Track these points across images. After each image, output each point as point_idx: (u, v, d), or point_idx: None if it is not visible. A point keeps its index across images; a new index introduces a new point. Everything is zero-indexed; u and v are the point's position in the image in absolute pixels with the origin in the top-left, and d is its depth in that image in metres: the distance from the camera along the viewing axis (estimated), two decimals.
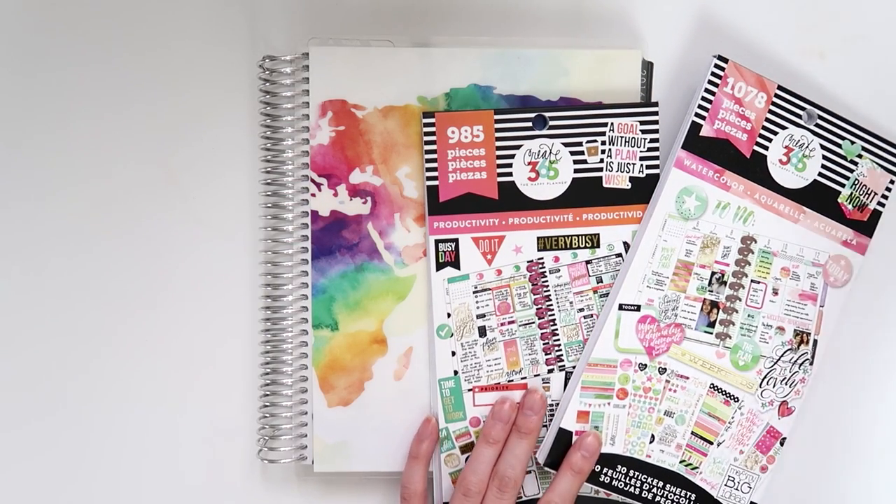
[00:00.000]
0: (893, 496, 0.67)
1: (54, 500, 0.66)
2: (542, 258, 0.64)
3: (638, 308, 0.63)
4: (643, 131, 0.64)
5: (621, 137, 0.64)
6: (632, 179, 0.64)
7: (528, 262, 0.64)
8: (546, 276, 0.64)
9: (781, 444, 0.65)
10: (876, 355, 0.67)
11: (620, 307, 0.63)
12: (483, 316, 0.64)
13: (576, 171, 0.64)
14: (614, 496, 0.63)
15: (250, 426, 0.66)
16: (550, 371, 0.64)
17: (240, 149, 0.66)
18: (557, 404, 0.64)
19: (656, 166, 0.65)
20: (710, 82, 0.64)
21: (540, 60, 0.65)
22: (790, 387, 0.64)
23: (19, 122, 0.66)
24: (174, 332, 0.66)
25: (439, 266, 0.64)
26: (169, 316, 0.66)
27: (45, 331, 0.66)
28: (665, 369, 0.63)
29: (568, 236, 0.64)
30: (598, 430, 0.63)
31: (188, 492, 0.66)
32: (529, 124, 0.64)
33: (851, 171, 0.65)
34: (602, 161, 0.64)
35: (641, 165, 0.64)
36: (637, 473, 0.63)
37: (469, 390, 0.64)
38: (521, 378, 0.64)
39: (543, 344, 0.64)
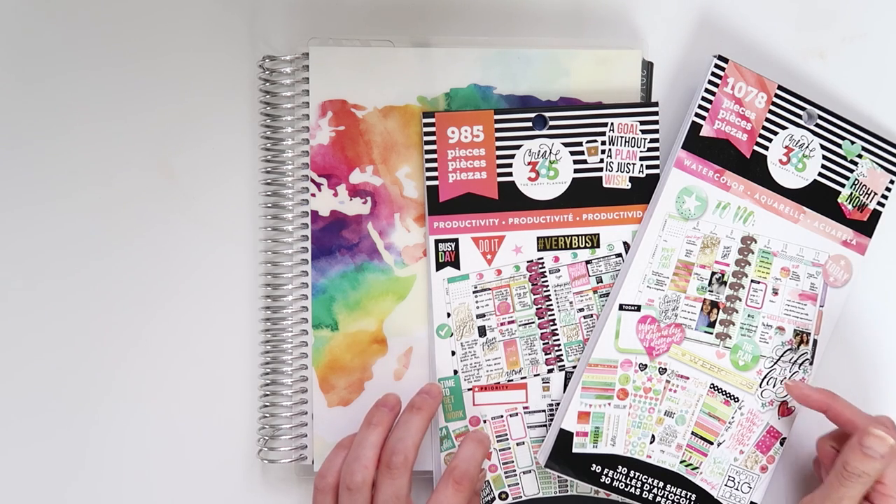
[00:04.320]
0: None
1: (54, 499, 0.66)
2: (541, 258, 0.64)
3: (638, 308, 0.63)
4: (643, 131, 0.64)
5: (621, 137, 0.64)
6: (632, 179, 0.64)
7: (528, 262, 0.64)
8: (546, 276, 0.64)
9: (781, 443, 0.65)
10: (876, 355, 0.67)
11: (621, 307, 0.63)
12: (483, 316, 0.64)
13: (576, 171, 0.64)
14: (614, 497, 0.63)
15: (250, 426, 0.66)
16: (550, 371, 0.64)
17: (240, 149, 0.66)
18: (558, 405, 0.64)
19: (656, 166, 0.65)
20: (710, 82, 0.64)
21: (540, 60, 0.65)
22: None
23: (18, 123, 0.66)
24: (174, 331, 0.66)
25: (439, 266, 0.64)
26: (169, 316, 0.66)
27: (44, 331, 0.66)
28: (665, 369, 0.63)
29: (568, 236, 0.64)
30: (598, 431, 0.63)
31: (188, 491, 0.66)
32: (529, 124, 0.64)
33: (851, 171, 0.65)
34: (602, 161, 0.64)
35: (641, 165, 0.65)
36: (637, 474, 0.63)
37: (469, 390, 0.64)
38: (521, 378, 0.64)
39: (543, 344, 0.64)
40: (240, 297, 0.66)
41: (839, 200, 0.65)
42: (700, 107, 0.64)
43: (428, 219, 0.64)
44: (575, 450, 0.63)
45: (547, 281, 0.64)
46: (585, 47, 0.65)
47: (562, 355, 0.64)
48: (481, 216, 0.64)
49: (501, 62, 0.65)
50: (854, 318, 0.67)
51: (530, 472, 0.64)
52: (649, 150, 0.64)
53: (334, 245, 0.65)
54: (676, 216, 0.64)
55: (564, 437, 0.63)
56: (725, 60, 0.64)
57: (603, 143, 0.64)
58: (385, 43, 0.65)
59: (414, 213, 0.65)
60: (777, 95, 0.64)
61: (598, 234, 0.64)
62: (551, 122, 0.64)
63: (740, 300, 0.64)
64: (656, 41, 0.67)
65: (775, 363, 0.64)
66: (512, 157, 0.64)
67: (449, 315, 0.64)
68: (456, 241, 0.64)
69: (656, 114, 0.65)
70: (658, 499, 0.63)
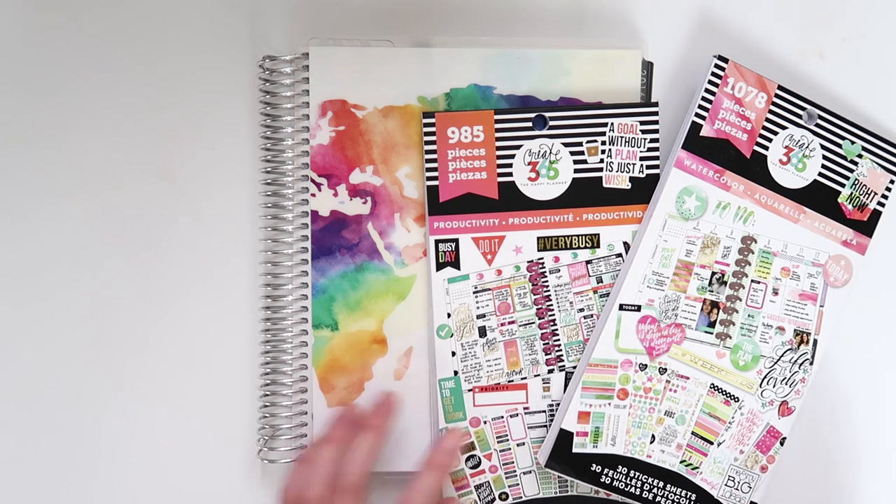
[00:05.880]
0: (894, 496, 0.67)
1: (54, 499, 0.66)
2: (542, 258, 0.64)
3: (638, 308, 0.63)
4: (643, 131, 0.64)
5: (621, 137, 0.64)
6: (632, 179, 0.64)
7: (528, 262, 0.64)
8: (546, 277, 0.64)
9: (781, 443, 0.65)
10: (876, 355, 0.67)
11: (621, 307, 0.63)
12: (483, 316, 0.64)
13: (576, 171, 0.64)
14: (614, 496, 0.63)
15: (250, 426, 0.66)
16: (550, 371, 0.64)
17: (240, 149, 0.66)
18: (558, 405, 0.64)
19: (656, 166, 0.65)
20: (710, 82, 0.64)
21: (540, 60, 0.65)
22: (790, 387, 0.64)
23: (19, 122, 0.66)
24: (174, 331, 0.66)
25: (439, 266, 0.64)
26: (169, 316, 0.66)
27: (44, 331, 0.66)
28: (665, 369, 0.63)
29: (568, 236, 0.64)
30: (598, 431, 0.63)
31: (188, 492, 0.66)
32: (529, 124, 0.64)
33: (851, 171, 0.65)
34: (602, 161, 0.64)
35: (641, 165, 0.64)
36: (637, 474, 0.63)
37: (469, 390, 0.64)
38: (522, 378, 0.64)
39: (543, 344, 0.64)
40: (240, 297, 0.66)
41: (839, 200, 0.65)
42: (700, 107, 0.64)
43: (428, 219, 0.64)
44: (575, 450, 0.63)
45: (547, 281, 0.64)
46: (585, 47, 0.65)
47: (562, 355, 0.64)
48: (481, 216, 0.64)
49: (501, 62, 0.65)
50: (854, 318, 0.67)
51: (530, 472, 0.64)
52: (649, 150, 0.64)
53: (334, 245, 0.65)
54: (676, 216, 0.64)
55: (564, 437, 0.63)
56: (725, 60, 0.64)
57: (603, 143, 0.64)
58: (385, 43, 0.65)
59: (414, 213, 0.65)
60: (777, 95, 0.64)
61: (599, 234, 0.64)
62: (551, 122, 0.64)
63: (740, 300, 0.64)
64: (656, 41, 0.67)
65: (775, 363, 0.64)
66: (512, 157, 0.64)
67: (449, 315, 0.64)
68: (456, 241, 0.64)
69: (656, 114, 0.65)
70: (658, 499, 0.63)
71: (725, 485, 0.64)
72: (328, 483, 0.58)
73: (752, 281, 0.64)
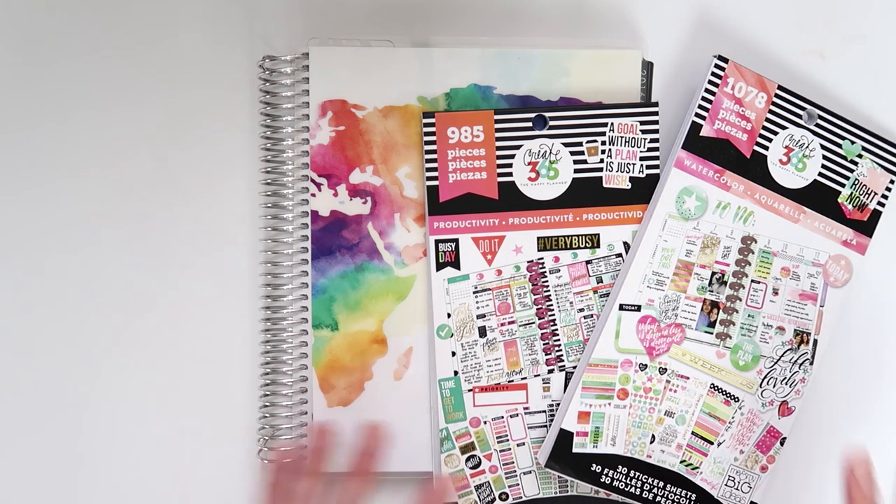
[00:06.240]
0: (894, 496, 0.67)
1: (54, 498, 0.66)
2: (542, 258, 0.64)
3: (638, 308, 0.63)
4: (643, 131, 0.64)
5: (621, 137, 0.64)
6: (632, 179, 0.64)
7: (529, 262, 0.64)
8: (546, 277, 0.64)
9: (781, 443, 0.65)
10: (876, 355, 0.67)
11: (621, 307, 0.63)
12: (483, 316, 0.64)
13: (576, 171, 0.64)
14: (614, 496, 0.63)
15: (250, 426, 0.66)
16: (550, 371, 0.64)
17: (240, 149, 0.66)
18: (558, 405, 0.64)
19: (656, 166, 0.65)
20: (710, 82, 0.64)
21: (540, 60, 0.65)
22: (790, 387, 0.64)
23: (19, 122, 0.66)
24: (174, 332, 0.66)
25: (439, 266, 0.64)
26: (169, 316, 0.66)
27: (44, 331, 0.66)
28: (665, 369, 0.63)
29: (568, 236, 0.64)
30: (598, 431, 0.63)
31: (188, 491, 0.66)
32: (529, 124, 0.64)
33: (851, 171, 0.65)
34: (602, 161, 0.64)
35: (641, 165, 0.64)
36: (637, 474, 0.63)
37: (469, 390, 0.64)
38: (522, 378, 0.64)
39: (543, 344, 0.64)
40: (240, 296, 0.66)
41: (839, 200, 0.65)
42: (700, 107, 0.64)
43: (428, 219, 0.64)
44: (575, 450, 0.63)
45: (547, 281, 0.64)
46: (585, 47, 0.65)
47: (562, 355, 0.64)
48: (481, 216, 0.64)
49: (501, 62, 0.65)
50: (854, 318, 0.67)
51: (530, 472, 0.64)
52: (649, 150, 0.64)
53: (334, 245, 0.65)
54: (676, 216, 0.64)
55: (564, 437, 0.63)
56: (725, 60, 0.64)
57: (603, 143, 0.64)
58: (385, 43, 0.65)
59: (414, 213, 0.65)
60: (777, 95, 0.64)
61: (599, 234, 0.64)
62: (551, 122, 0.64)
63: (740, 300, 0.64)
64: (656, 41, 0.67)
65: (775, 363, 0.64)
66: (512, 157, 0.64)
67: (449, 315, 0.64)
68: (456, 241, 0.64)
69: (656, 114, 0.65)
70: (658, 498, 0.63)
71: (725, 485, 0.64)
72: None
73: (752, 281, 0.64)
